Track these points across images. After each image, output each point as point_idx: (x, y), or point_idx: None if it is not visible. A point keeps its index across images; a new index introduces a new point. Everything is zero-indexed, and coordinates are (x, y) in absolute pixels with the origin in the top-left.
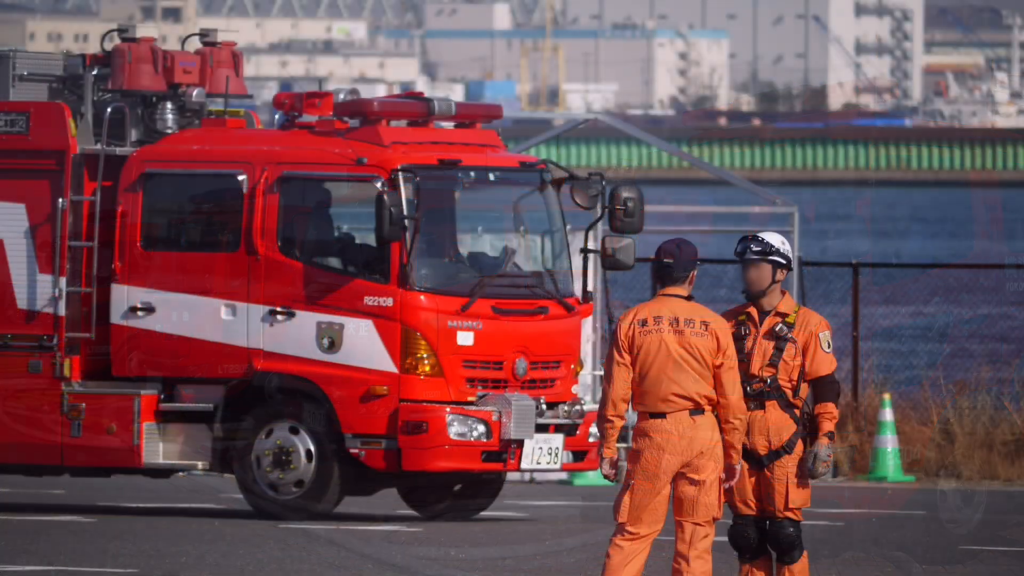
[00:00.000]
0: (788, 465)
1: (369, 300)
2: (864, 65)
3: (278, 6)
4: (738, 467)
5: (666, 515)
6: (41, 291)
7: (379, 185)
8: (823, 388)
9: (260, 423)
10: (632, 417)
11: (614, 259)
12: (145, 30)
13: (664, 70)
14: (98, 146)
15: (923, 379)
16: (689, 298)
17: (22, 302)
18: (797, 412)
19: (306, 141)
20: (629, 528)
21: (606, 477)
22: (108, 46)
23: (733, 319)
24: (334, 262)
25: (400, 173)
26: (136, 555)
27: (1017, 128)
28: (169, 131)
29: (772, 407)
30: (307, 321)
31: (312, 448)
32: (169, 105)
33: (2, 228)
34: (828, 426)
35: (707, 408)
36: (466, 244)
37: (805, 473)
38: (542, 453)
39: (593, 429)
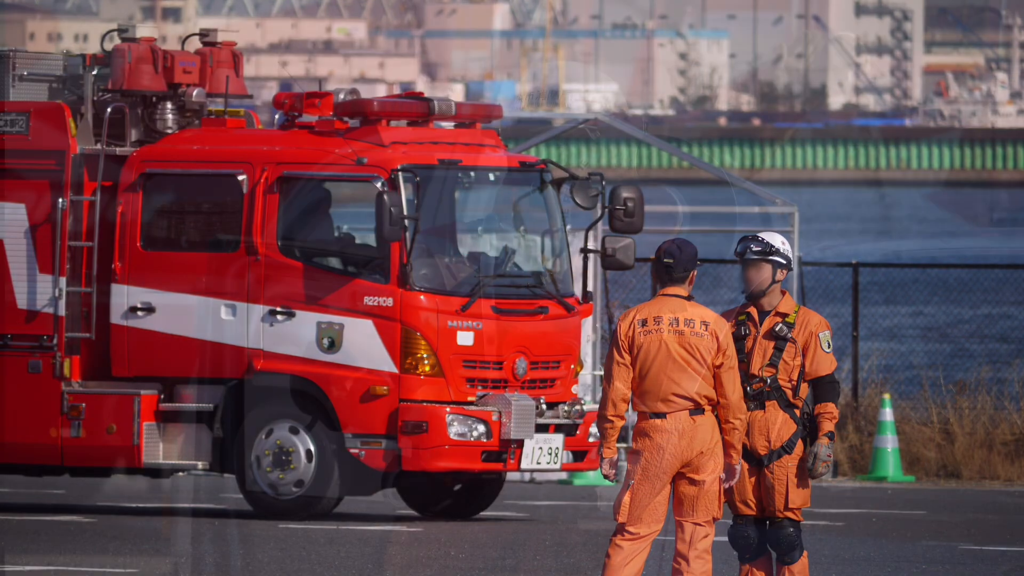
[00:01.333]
0: (788, 465)
1: (369, 300)
2: (864, 65)
3: (278, 6)
4: (738, 467)
5: (666, 515)
6: (41, 291)
7: (379, 185)
8: (823, 388)
9: (260, 423)
10: (632, 417)
11: (614, 259)
12: (145, 30)
13: (664, 70)
14: (98, 146)
15: (923, 379)
16: (689, 298)
17: (22, 302)
18: (797, 412)
19: (306, 141)
20: (629, 528)
21: (606, 477)
22: (108, 46)
23: (733, 319)
24: (334, 262)
25: (400, 173)
26: (136, 555)
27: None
28: (169, 131)
29: (772, 407)
30: (307, 321)
31: (312, 448)
32: (169, 105)
33: (2, 228)
34: (828, 426)
35: (707, 408)
36: (466, 244)
37: (805, 473)
38: (542, 453)
39: (593, 429)
